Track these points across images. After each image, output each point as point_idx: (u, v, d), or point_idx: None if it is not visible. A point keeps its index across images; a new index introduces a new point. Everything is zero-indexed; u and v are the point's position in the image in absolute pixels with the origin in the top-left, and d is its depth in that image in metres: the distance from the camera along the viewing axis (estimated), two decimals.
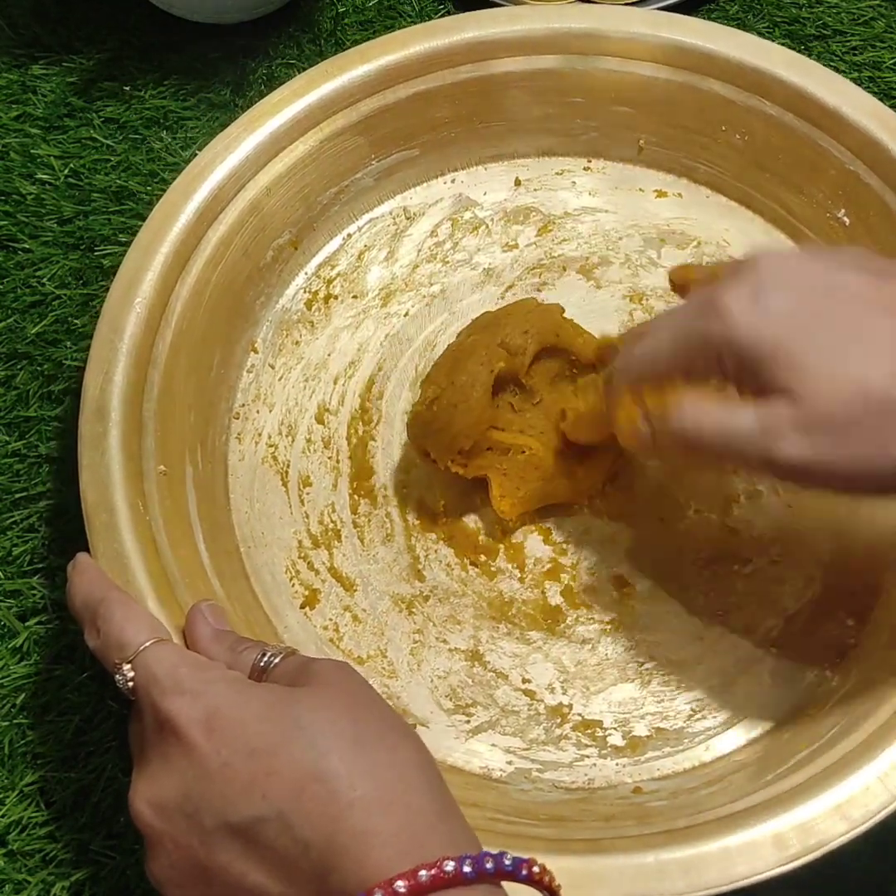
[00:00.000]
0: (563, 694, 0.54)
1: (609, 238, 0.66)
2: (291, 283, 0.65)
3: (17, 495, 0.59)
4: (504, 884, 0.37)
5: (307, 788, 0.37)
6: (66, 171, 0.68)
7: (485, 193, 0.68)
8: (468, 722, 0.54)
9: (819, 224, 0.64)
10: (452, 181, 0.68)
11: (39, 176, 0.68)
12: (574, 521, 0.58)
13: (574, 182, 0.68)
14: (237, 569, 0.57)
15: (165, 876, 0.40)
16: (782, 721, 0.53)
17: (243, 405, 0.62)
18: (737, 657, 0.55)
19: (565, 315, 0.59)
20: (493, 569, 0.57)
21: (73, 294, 0.64)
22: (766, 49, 0.64)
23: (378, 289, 0.65)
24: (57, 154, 0.69)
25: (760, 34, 0.72)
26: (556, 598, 0.56)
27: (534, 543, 0.58)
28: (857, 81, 0.69)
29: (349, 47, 0.66)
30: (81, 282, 0.65)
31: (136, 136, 0.70)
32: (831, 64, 0.71)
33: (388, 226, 0.67)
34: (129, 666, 0.43)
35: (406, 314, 0.64)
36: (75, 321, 0.64)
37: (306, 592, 0.57)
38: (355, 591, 0.57)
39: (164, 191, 0.59)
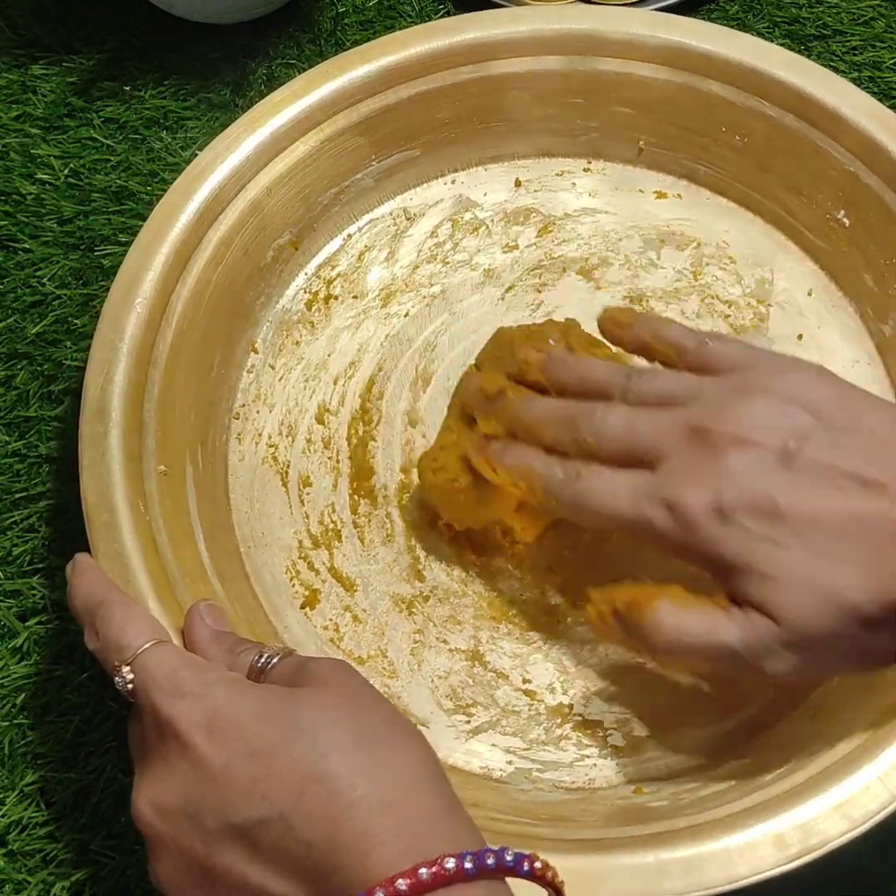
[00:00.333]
0: (564, 694, 0.54)
1: (609, 239, 0.66)
2: (291, 284, 0.65)
3: (17, 495, 0.59)
4: (509, 880, 0.37)
5: (308, 789, 0.37)
6: (66, 171, 0.68)
7: (485, 194, 0.68)
8: (468, 722, 0.54)
9: (819, 225, 0.64)
10: (453, 182, 0.68)
11: (39, 176, 0.68)
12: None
13: (574, 183, 0.68)
14: (237, 569, 0.57)
15: (168, 878, 0.40)
16: (783, 720, 0.53)
17: (243, 405, 0.62)
18: None
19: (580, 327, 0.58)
20: (493, 568, 0.57)
21: (73, 294, 0.64)
22: (766, 50, 0.64)
23: (378, 289, 0.65)
24: (57, 154, 0.69)
25: (760, 34, 0.72)
26: (556, 598, 0.56)
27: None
28: (857, 81, 0.69)
29: (349, 47, 0.66)
30: (81, 282, 0.65)
31: (136, 136, 0.70)
32: (831, 64, 0.71)
33: (389, 226, 0.67)
34: (128, 668, 0.43)
35: (406, 315, 0.64)
36: (75, 321, 0.64)
37: (306, 593, 0.57)
38: (355, 591, 0.57)
39: (164, 191, 0.59)
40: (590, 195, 0.67)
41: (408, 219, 0.67)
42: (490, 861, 0.36)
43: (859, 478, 0.43)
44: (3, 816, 0.52)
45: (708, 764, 0.52)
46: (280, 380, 0.62)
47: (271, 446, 0.60)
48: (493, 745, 0.53)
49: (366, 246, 0.66)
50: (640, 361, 0.53)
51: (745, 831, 0.44)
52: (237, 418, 0.61)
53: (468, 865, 0.35)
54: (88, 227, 0.66)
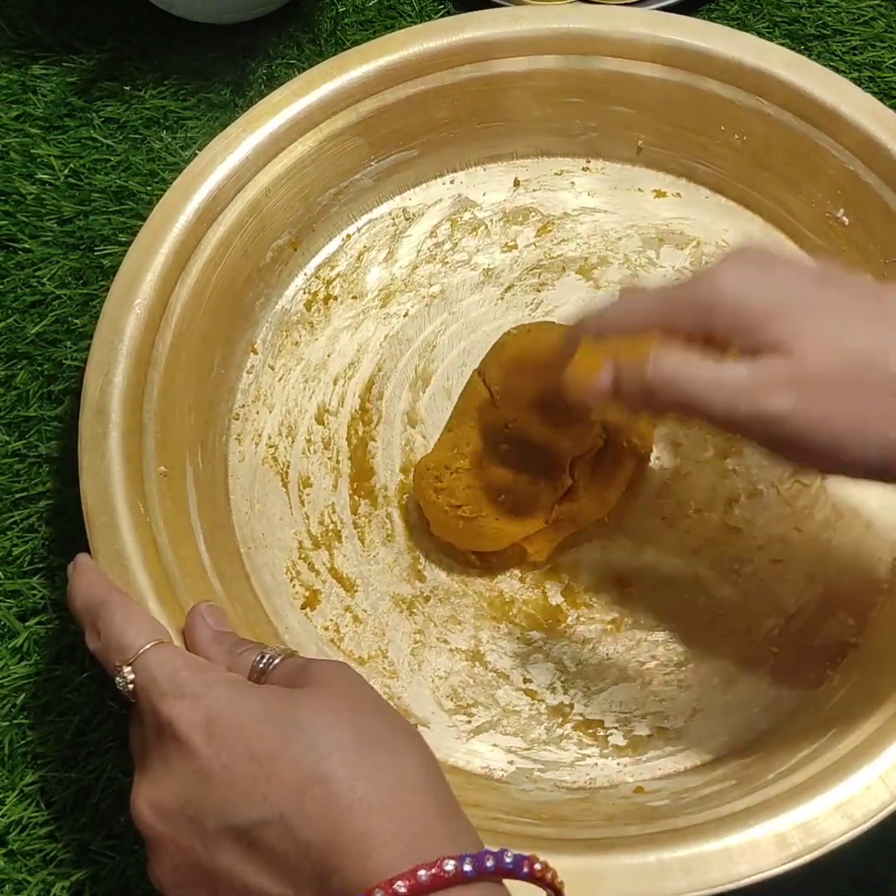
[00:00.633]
0: (564, 694, 0.54)
1: (608, 238, 0.66)
2: (291, 284, 0.65)
3: (17, 495, 0.59)
4: (508, 882, 0.37)
5: (308, 791, 0.37)
6: (66, 171, 0.68)
7: (484, 194, 0.68)
8: (469, 722, 0.54)
9: (818, 223, 0.64)
10: (452, 182, 0.68)
11: (39, 176, 0.68)
12: None
13: (573, 182, 0.68)
14: (238, 570, 0.57)
15: (168, 879, 0.40)
16: (783, 720, 0.53)
17: (243, 406, 0.62)
18: (737, 657, 0.55)
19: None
20: (493, 568, 0.57)
21: (73, 294, 0.64)
22: (765, 49, 0.64)
23: (377, 289, 0.65)
24: (57, 154, 0.69)
25: (760, 34, 0.72)
26: (556, 598, 0.56)
27: None
28: (857, 81, 0.69)
29: (349, 47, 0.66)
30: (81, 282, 0.65)
31: (136, 136, 0.70)
32: (831, 64, 0.71)
33: (388, 226, 0.67)
34: (129, 668, 0.43)
35: (405, 315, 0.64)
36: (75, 321, 0.64)
37: (307, 593, 0.57)
38: (356, 591, 0.57)
39: (164, 191, 0.59)
40: (589, 194, 0.67)
41: (407, 219, 0.67)
42: (489, 863, 0.36)
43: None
44: (3, 816, 0.52)
45: (709, 763, 0.52)
46: (280, 380, 0.62)
47: (271, 447, 0.60)
48: (494, 745, 0.53)
49: (365, 246, 0.66)
50: None
51: (746, 831, 0.44)
52: (237, 419, 0.61)
53: (467, 868, 0.35)
54: (88, 227, 0.66)
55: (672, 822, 0.46)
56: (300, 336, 0.64)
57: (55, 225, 0.67)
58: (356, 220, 0.66)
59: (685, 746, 0.53)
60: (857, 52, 0.72)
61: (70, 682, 0.55)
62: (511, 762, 0.53)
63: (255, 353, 0.63)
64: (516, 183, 0.68)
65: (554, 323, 0.61)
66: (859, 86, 0.62)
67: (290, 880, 0.37)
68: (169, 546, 0.51)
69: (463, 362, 0.62)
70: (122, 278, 0.56)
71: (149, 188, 0.68)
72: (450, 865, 0.35)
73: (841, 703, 0.51)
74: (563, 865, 0.39)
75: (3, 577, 0.57)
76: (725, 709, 0.54)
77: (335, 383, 0.62)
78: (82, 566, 0.48)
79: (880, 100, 0.62)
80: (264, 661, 0.43)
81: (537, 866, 0.37)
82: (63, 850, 0.51)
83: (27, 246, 0.66)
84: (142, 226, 0.58)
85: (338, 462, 0.60)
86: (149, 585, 0.49)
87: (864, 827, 0.44)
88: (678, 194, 0.67)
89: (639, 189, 0.67)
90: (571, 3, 0.71)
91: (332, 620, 0.56)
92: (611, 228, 0.66)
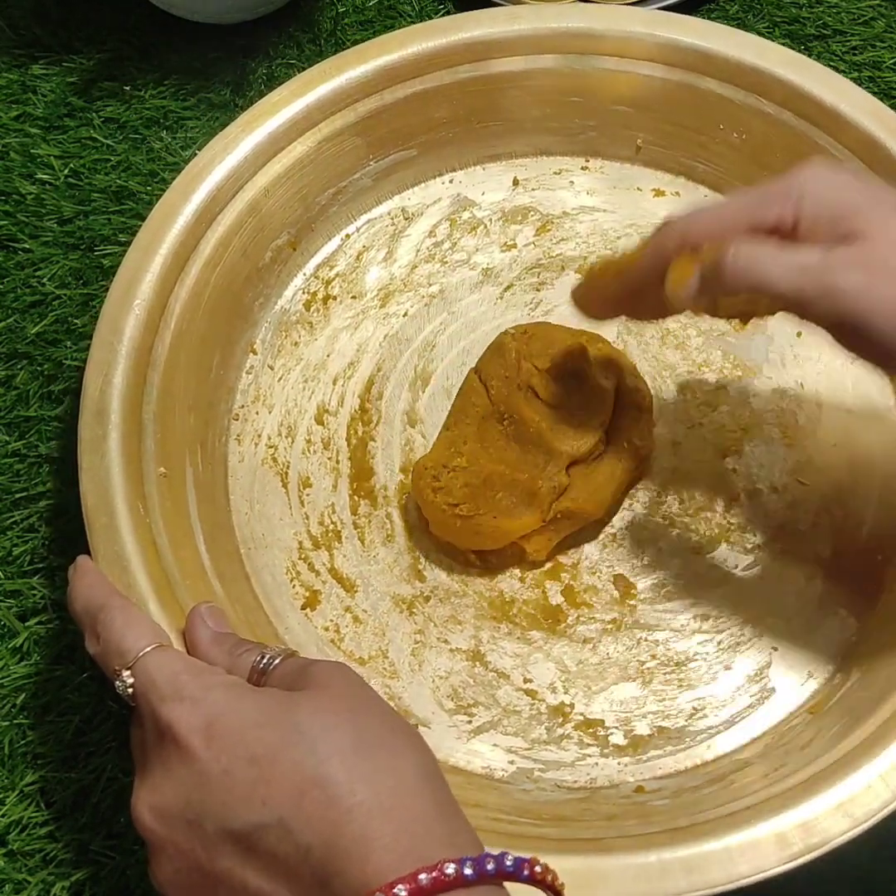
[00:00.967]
0: (565, 693, 0.54)
1: (607, 237, 0.66)
2: (290, 284, 0.65)
3: (17, 495, 0.59)
4: (509, 885, 0.37)
5: (308, 794, 0.37)
6: (66, 171, 0.68)
7: (483, 193, 0.68)
8: (470, 722, 0.54)
9: None
10: (451, 181, 0.68)
11: (39, 176, 0.68)
12: None
13: (572, 181, 0.68)
14: (238, 570, 0.57)
15: (169, 882, 0.40)
16: (784, 720, 0.53)
17: (243, 406, 0.61)
18: (738, 656, 0.55)
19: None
20: (493, 568, 0.57)
21: (73, 294, 0.64)
22: (764, 48, 0.64)
23: (377, 289, 0.65)
24: (57, 154, 0.69)
25: (760, 34, 0.72)
26: (556, 598, 0.56)
27: None
28: (857, 81, 0.69)
29: (349, 47, 0.65)
30: (81, 282, 0.65)
31: (136, 136, 0.70)
32: (831, 64, 0.71)
33: (387, 226, 0.67)
34: (128, 672, 0.43)
35: (405, 314, 0.64)
36: (75, 321, 0.64)
37: (307, 593, 0.57)
38: (356, 591, 0.57)
39: (164, 191, 0.59)
40: (588, 193, 0.67)
41: (406, 218, 0.67)
42: (490, 866, 0.36)
43: None
44: (3, 816, 0.52)
45: (709, 762, 0.52)
46: (279, 380, 0.62)
47: (271, 447, 0.60)
48: (495, 745, 0.53)
49: (364, 246, 0.66)
50: None
51: (747, 830, 0.44)
52: (236, 419, 0.61)
53: (468, 871, 0.35)
54: (88, 227, 0.66)
55: (673, 821, 0.46)
56: (299, 336, 0.64)
57: (55, 225, 0.67)
58: (355, 220, 0.66)
59: (685, 746, 0.53)
60: (857, 52, 0.72)
61: (70, 682, 0.55)
62: (512, 762, 0.53)
63: (255, 353, 0.63)
64: (515, 182, 0.68)
65: (552, 323, 0.61)
66: (859, 86, 0.62)
67: (290, 884, 0.37)
68: (169, 547, 0.51)
69: (462, 362, 0.62)
70: (122, 278, 0.56)
71: (149, 188, 0.68)
72: (450, 869, 0.35)
73: (841, 701, 0.51)
74: (564, 865, 0.39)
75: (3, 577, 0.57)
76: (725, 708, 0.54)
77: (335, 383, 0.62)
78: (82, 569, 0.48)
79: (880, 99, 0.62)
80: (264, 661, 0.43)
81: (538, 868, 0.37)
82: (63, 850, 0.51)
83: (27, 246, 0.66)
84: (142, 226, 0.58)
85: (337, 462, 0.60)
86: (149, 586, 0.49)
87: (866, 826, 0.44)
88: (677, 193, 0.67)
89: (638, 188, 0.67)
90: (570, 2, 0.71)
91: (332, 621, 0.56)
92: (610, 227, 0.66)
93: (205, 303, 0.59)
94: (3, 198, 0.67)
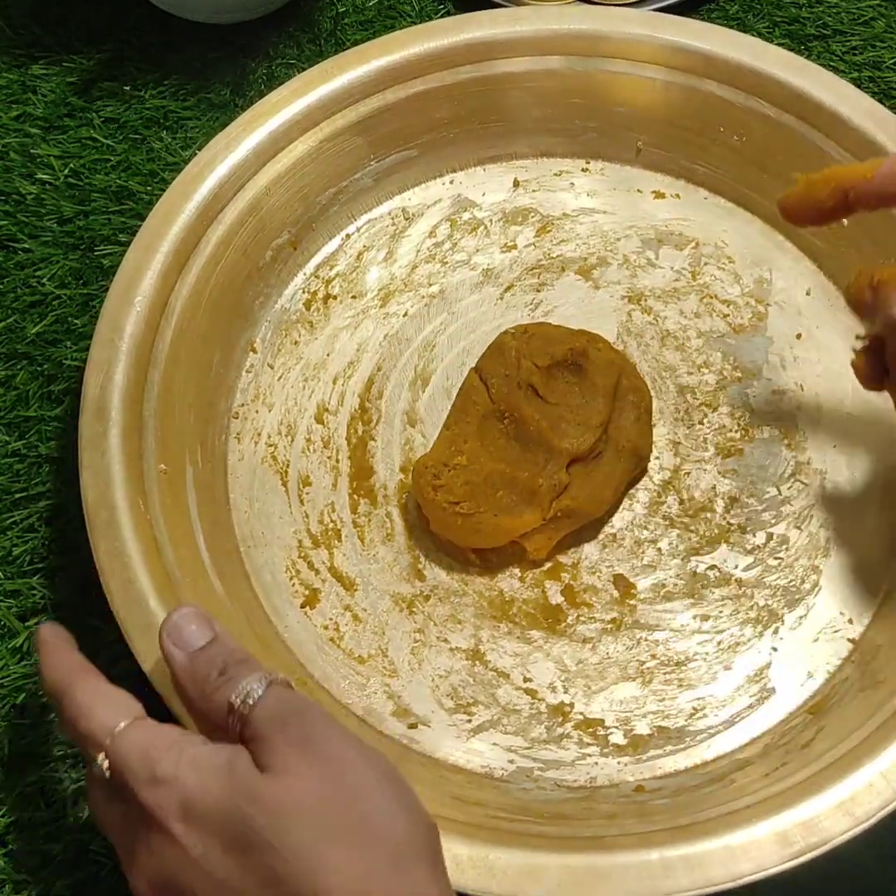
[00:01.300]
0: (565, 693, 0.54)
1: (607, 239, 0.66)
2: (290, 284, 0.65)
3: (17, 495, 0.59)
4: None
5: (279, 887, 0.37)
6: (66, 171, 0.68)
7: (483, 194, 0.68)
8: (469, 721, 0.54)
9: None
10: (451, 182, 0.68)
11: (39, 176, 0.68)
12: None
13: (572, 183, 0.68)
14: (237, 568, 0.57)
15: None
16: (784, 719, 0.53)
17: (243, 405, 0.61)
18: (738, 656, 0.55)
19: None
20: (493, 568, 0.57)
21: (73, 294, 0.64)
22: (764, 50, 0.64)
23: (377, 289, 0.65)
24: (57, 154, 0.69)
25: (760, 34, 0.72)
26: (556, 597, 0.56)
27: None
28: (857, 81, 0.69)
29: (349, 47, 0.66)
30: (81, 282, 0.65)
31: (136, 136, 0.70)
32: (831, 64, 0.71)
33: (387, 226, 0.67)
34: (103, 755, 0.42)
35: (405, 314, 0.64)
36: (75, 321, 0.64)
37: (306, 592, 0.57)
38: (355, 590, 0.57)
39: (164, 191, 0.59)
40: (588, 195, 0.67)
41: (406, 219, 0.67)
42: None
43: None
44: (3, 816, 0.52)
45: (709, 762, 0.52)
46: (279, 379, 0.62)
47: (271, 446, 0.60)
48: (495, 744, 0.53)
49: (364, 246, 0.66)
50: None
51: (748, 829, 0.45)
52: (236, 418, 0.61)
53: None
54: (88, 227, 0.66)
55: (673, 820, 0.46)
56: (300, 335, 0.64)
57: (55, 225, 0.67)
58: (356, 220, 0.67)
59: (685, 745, 0.53)
60: (857, 52, 0.72)
61: None
62: (511, 761, 0.53)
63: (255, 352, 0.63)
64: (516, 183, 0.68)
65: (552, 323, 0.61)
66: (859, 86, 0.62)
67: None
68: (169, 544, 0.51)
69: (462, 362, 0.62)
70: (122, 277, 0.56)
71: (149, 188, 0.68)
72: None
73: (842, 701, 0.51)
74: (565, 863, 0.39)
75: (3, 577, 0.57)
76: (725, 708, 0.54)
77: (335, 382, 0.62)
78: (44, 643, 0.46)
79: (880, 100, 0.62)
80: (242, 699, 0.41)
81: None
82: (63, 850, 0.51)
83: (27, 246, 0.66)
84: (142, 225, 0.58)
85: (337, 461, 0.60)
86: (149, 583, 0.49)
87: (867, 824, 0.44)
88: (677, 195, 0.67)
89: (638, 190, 0.67)
90: (571, 3, 0.71)
91: (331, 619, 0.56)
92: (610, 229, 0.67)
93: (205, 301, 0.59)
94: (3, 198, 0.67)
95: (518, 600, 0.56)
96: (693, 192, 0.67)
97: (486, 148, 0.68)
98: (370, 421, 0.61)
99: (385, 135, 0.65)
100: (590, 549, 0.58)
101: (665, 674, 0.55)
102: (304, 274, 0.65)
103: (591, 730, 0.53)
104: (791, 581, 0.57)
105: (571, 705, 0.54)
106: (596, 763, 0.53)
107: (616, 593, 0.56)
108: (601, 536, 0.58)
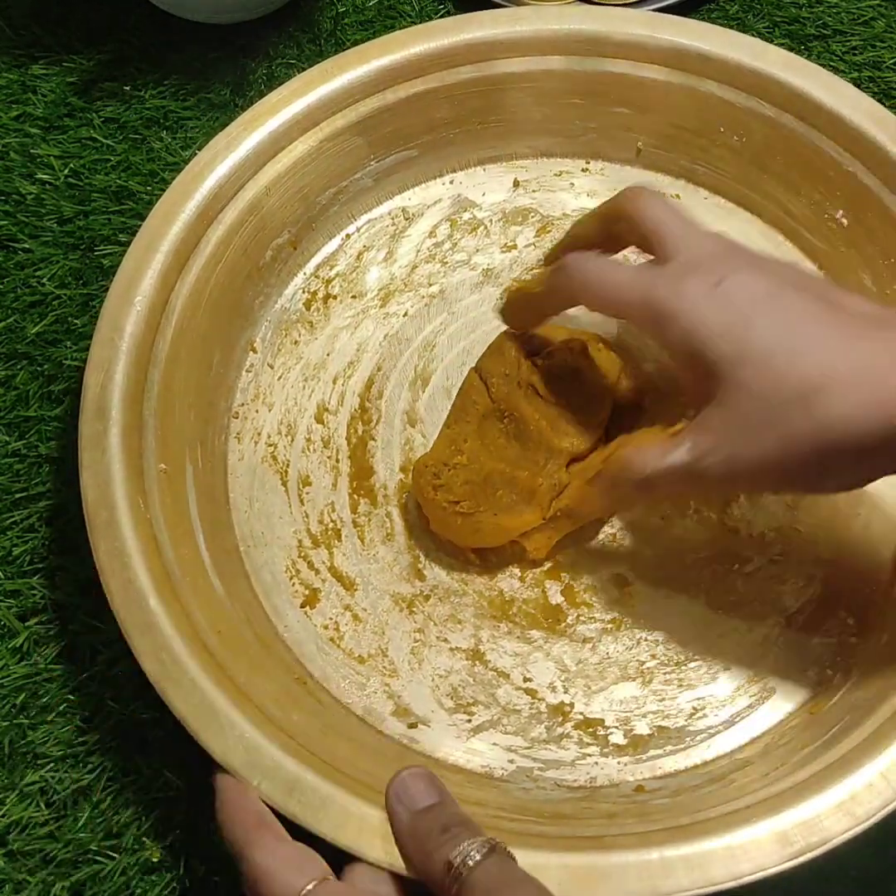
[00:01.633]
0: (565, 693, 0.54)
1: None
2: (290, 283, 0.65)
3: (17, 495, 0.59)
4: None
5: None
6: (66, 171, 0.68)
7: (483, 194, 0.68)
8: (469, 721, 0.54)
9: (817, 225, 0.64)
10: (451, 182, 0.68)
11: (39, 176, 0.68)
12: None
13: (572, 183, 0.68)
14: (237, 568, 0.57)
15: None
16: (784, 719, 0.53)
17: (243, 405, 0.61)
18: (738, 656, 0.55)
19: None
20: (493, 568, 0.57)
21: (73, 294, 0.64)
22: (764, 50, 0.64)
23: (377, 289, 0.65)
24: (57, 154, 0.69)
25: (760, 34, 0.72)
26: (556, 597, 0.56)
27: None
28: (857, 81, 0.69)
29: (349, 47, 0.66)
30: (81, 282, 0.65)
31: (136, 136, 0.70)
32: (831, 64, 0.71)
33: (387, 226, 0.67)
34: None
35: (405, 314, 0.64)
36: (75, 321, 0.64)
37: (306, 592, 0.57)
38: (355, 590, 0.57)
39: (164, 191, 0.59)
40: (588, 195, 0.67)
41: (406, 219, 0.67)
42: None
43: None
44: (3, 816, 0.52)
45: (709, 762, 0.52)
46: (279, 379, 0.62)
47: (271, 445, 0.60)
48: (495, 743, 0.53)
49: (364, 246, 0.66)
50: None
51: (748, 829, 0.44)
52: (236, 417, 0.61)
53: None
54: (88, 227, 0.66)
55: (674, 820, 0.46)
56: (300, 335, 0.64)
57: (55, 225, 0.67)
58: (356, 220, 0.67)
59: (685, 745, 0.53)
60: (857, 52, 0.72)
61: (70, 682, 0.55)
62: (511, 761, 0.53)
63: (255, 351, 0.63)
64: (516, 183, 0.68)
65: (551, 323, 0.61)
66: (859, 86, 0.62)
67: None
68: (169, 543, 0.51)
69: (462, 362, 0.62)
70: (123, 276, 0.56)
71: (149, 188, 0.68)
72: None
73: (842, 701, 0.51)
74: (565, 863, 0.39)
75: (3, 577, 0.57)
76: (725, 708, 0.54)
77: (335, 382, 0.62)
78: (223, 794, 0.45)
79: (880, 100, 0.62)
80: (460, 861, 0.40)
81: None
82: (63, 850, 0.51)
83: (27, 246, 0.66)
84: (142, 225, 0.58)
85: (337, 461, 0.60)
86: (149, 582, 0.49)
87: (867, 824, 0.44)
88: (677, 195, 0.67)
89: None
90: (571, 3, 0.71)
91: (331, 619, 0.56)
92: None
93: (206, 301, 0.59)
94: (3, 198, 0.67)
95: (518, 600, 0.56)
96: (693, 192, 0.67)
97: (486, 148, 0.68)
98: (370, 421, 0.61)
99: (385, 135, 0.65)
100: (590, 550, 0.58)
101: (665, 674, 0.55)
102: (304, 274, 0.65)
103: (591, 730, 0.53)
104: (791, 581, 0.56)
105: (571, 705, 0.54)
106: (596, 763, 0.53)
107: (616, 593, 0.56)
108: (601, 536, 0.58)
